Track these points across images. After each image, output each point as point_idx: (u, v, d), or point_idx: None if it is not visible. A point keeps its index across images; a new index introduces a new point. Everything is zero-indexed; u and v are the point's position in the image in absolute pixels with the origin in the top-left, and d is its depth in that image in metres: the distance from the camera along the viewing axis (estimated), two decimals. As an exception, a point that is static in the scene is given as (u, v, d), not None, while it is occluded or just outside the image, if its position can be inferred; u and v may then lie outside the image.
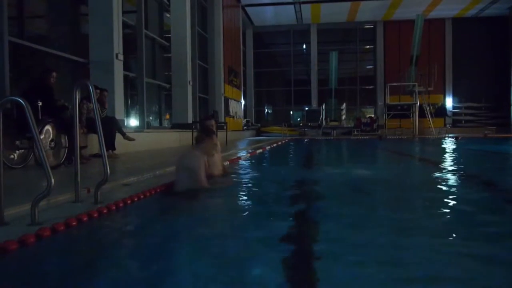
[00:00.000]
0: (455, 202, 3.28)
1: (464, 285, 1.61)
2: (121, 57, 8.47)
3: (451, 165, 6.56)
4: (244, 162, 7.08)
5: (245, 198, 3.65)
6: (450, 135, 19.44)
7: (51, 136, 5.19)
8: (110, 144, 6.59)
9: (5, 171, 2.56)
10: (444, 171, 5.62)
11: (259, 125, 25.06)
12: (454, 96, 24.10)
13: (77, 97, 3.13)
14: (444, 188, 4.04)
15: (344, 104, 24.53)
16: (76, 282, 1.67)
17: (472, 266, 1.80)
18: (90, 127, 6.39)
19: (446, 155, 8.82)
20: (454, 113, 24.12)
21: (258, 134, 23.02)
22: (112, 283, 1.65)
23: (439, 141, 15.24)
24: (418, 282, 1.63)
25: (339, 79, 24.98)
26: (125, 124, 9.70)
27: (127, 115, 10.73)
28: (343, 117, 24.42)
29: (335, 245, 2.09)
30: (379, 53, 24.86)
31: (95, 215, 2.59)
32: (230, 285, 1.61)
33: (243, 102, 22.13)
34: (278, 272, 1.69)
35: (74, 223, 2.38)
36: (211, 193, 3.62)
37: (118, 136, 6.98)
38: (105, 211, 2.69)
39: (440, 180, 4.59)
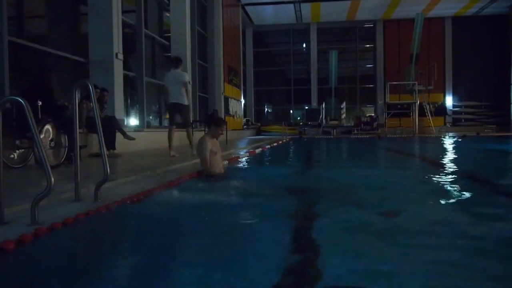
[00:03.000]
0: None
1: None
2: (121, 56, 8.47)
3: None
4: (243, 161, 7.07)
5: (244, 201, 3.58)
6: (451, 133, 19.39)
7: (51, 136, 5.19)
8: (110, 144, 6.60)
9: (5, 171, 2.56)
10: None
11: (259, 124, 25.02)
12: (454, 94, 24.06)
13: (77, 96, 3.13)
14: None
15: (344, 103, 24.50)
16: (76, 282, 1.67)
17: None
18: (90, 126, 6.40)
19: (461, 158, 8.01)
20: (454, 112, 24.07)
21: (258, 133, 23.01)
22: (112, 282, 1.65)
23: (442, 140, 15.18)
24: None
25: (339, 78, 24.95)
26: (125, 123, 9.70)
27: (127, 114, 10.73)
28: (343, 116, 24.39)
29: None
30: (379, 52, 24.82)
31: (95, 214, 2.59)
32: None
33: (243, 101, 22.11)
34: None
35: (73, 223, 2.38)
36: (215, 193, 3.62)
37: (119, 136, 6.98)
38: (104, 210, 2.69)
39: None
